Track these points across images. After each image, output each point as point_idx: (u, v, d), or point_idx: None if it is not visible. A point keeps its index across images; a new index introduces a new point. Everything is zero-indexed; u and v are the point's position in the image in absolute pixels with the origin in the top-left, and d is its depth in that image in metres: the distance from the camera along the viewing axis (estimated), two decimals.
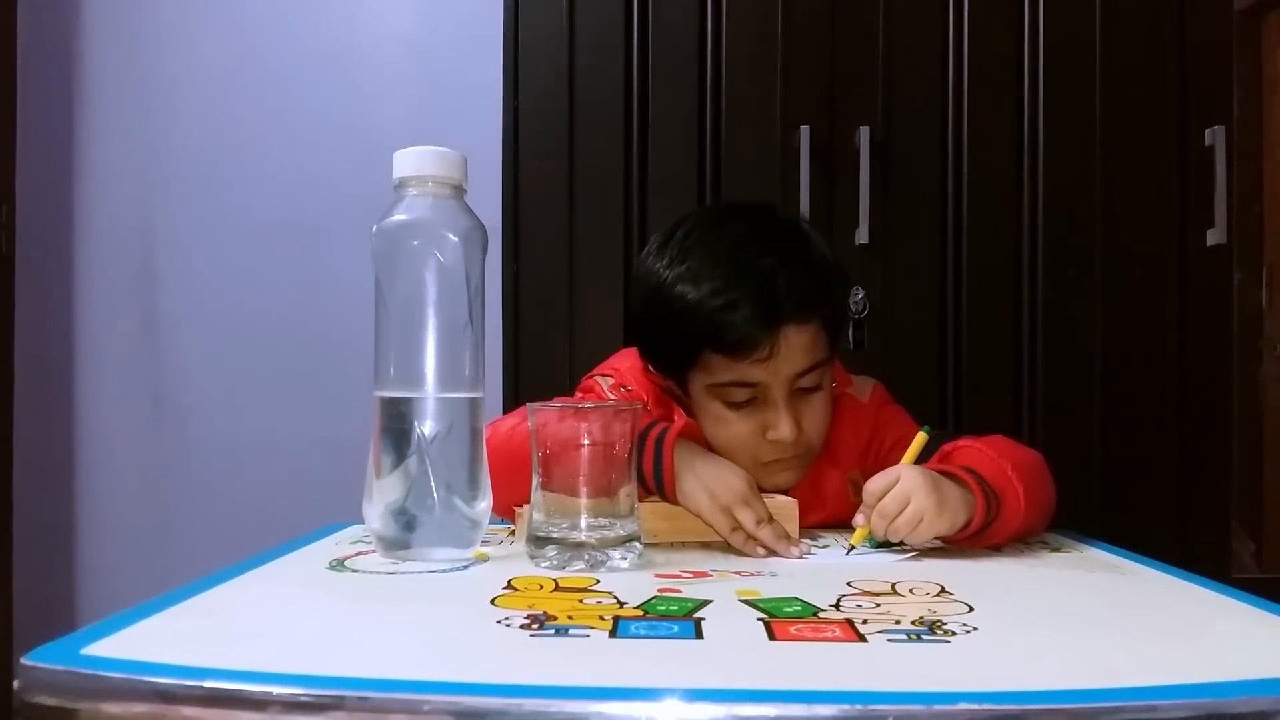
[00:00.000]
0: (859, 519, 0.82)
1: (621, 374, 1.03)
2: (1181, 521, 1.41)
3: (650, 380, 1.01)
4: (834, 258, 0.97)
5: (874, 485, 0.81)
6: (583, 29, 1.43)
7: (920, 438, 0.87)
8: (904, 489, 0.79)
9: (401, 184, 0.76)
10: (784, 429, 0.91)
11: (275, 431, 1.80)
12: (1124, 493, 1.41)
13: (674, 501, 0.84)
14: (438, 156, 0.75)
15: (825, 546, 0.86)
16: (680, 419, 0.90)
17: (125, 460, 1.83)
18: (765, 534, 0.80)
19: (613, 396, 1.00)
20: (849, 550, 0.82)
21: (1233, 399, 1.43)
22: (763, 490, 0.86)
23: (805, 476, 0.99)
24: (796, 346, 0.90)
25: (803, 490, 0.97)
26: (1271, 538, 1.86)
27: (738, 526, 0.81)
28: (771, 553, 0.80)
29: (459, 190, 0.77)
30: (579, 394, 1.04)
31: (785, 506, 0.86)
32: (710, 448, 0.93)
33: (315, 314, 1.80)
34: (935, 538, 0.81)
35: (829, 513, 0.97)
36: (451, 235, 0.74)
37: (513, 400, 1.39)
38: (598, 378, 1.04)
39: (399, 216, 0.74)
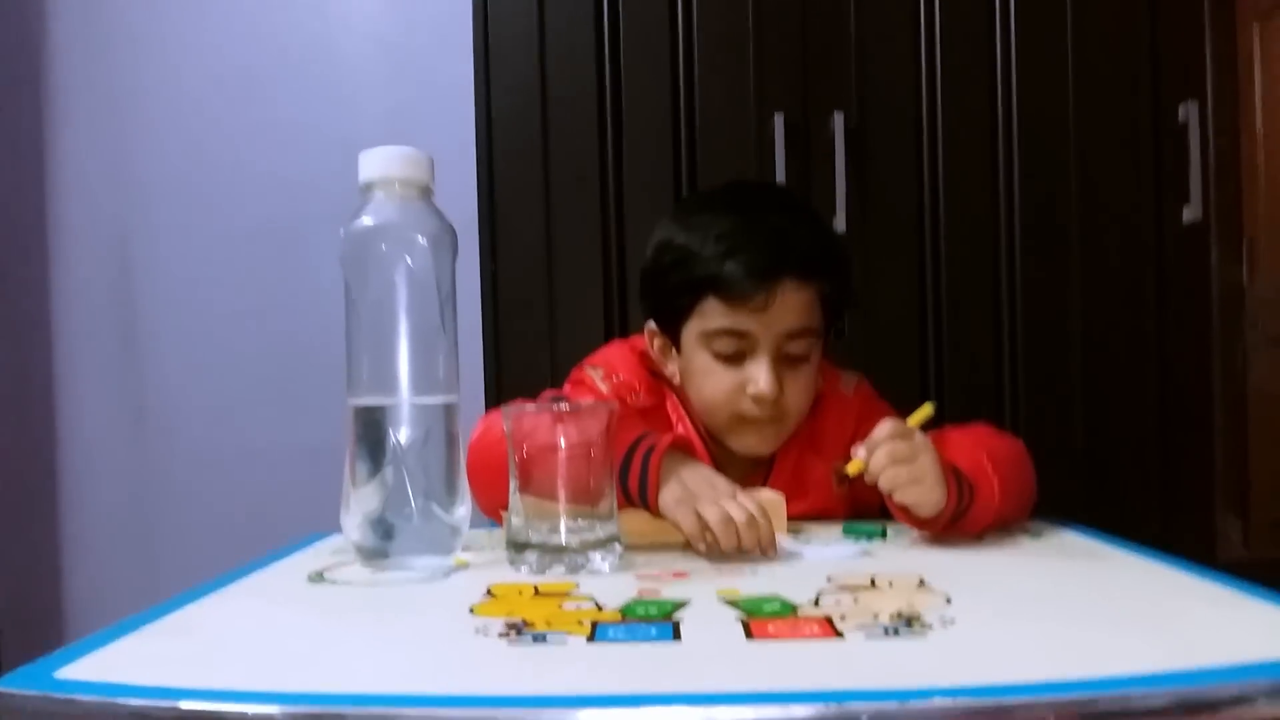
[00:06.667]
0: (860, 451, 0.81)
1: (612, 364, 1.04)
2: (1166, 505, 1.42)
3: (642, 366, 1.03)
4: (844, 246, 1.01)
5: (890, 428, 0.80)
6: (553, 23, 1.43)
7: (927, 408, 0.87)
8: (918, 444, 0.80)
9: (367, 187, 0.75)
10: (764, 383, 0.92)
11: (259, 441, 1.80)
12: (1107, 477, 1.41)
13: (659, 515, 0.83)
14: (403, 158, 0.75)
15: (808, 542, 0.85)
16: (668, 435, 0.88)
17: (108, 474, 1.82)
18: (733, 530, 0.76)
19: (604, 387, 1.01)
20: (840, 480, 0.82)
21: (1213, 377, 1.43)
22: (736, 476, 0.85)
23: (788, 466, 1.00)
24: (793, 304, 0.92)
25: (785, 480, 0.98)
26: (1258, 518, 1.87)
27: (706, 528, 0.77)
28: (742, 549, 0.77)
29: (426, 191, 0.76)
30: (569, 386, 1.04)
31: (774, 503, 0.85)
32: (693, 421, 0.96)
33: (295, 321, 1.79)
34: (908, 523, 0.82)
35: (811, 503, 0.97)
36: (420, 238, 0.73)
37: (494, 402, 1.38)
38: (588, 369, 1.04)
39: (365, 220, 0.74)
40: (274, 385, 1.79)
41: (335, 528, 0.88)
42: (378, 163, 0.75)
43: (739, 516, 0.76)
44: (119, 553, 1.82)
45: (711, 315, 0.94)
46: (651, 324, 1.02)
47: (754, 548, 0.77)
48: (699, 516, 0.78)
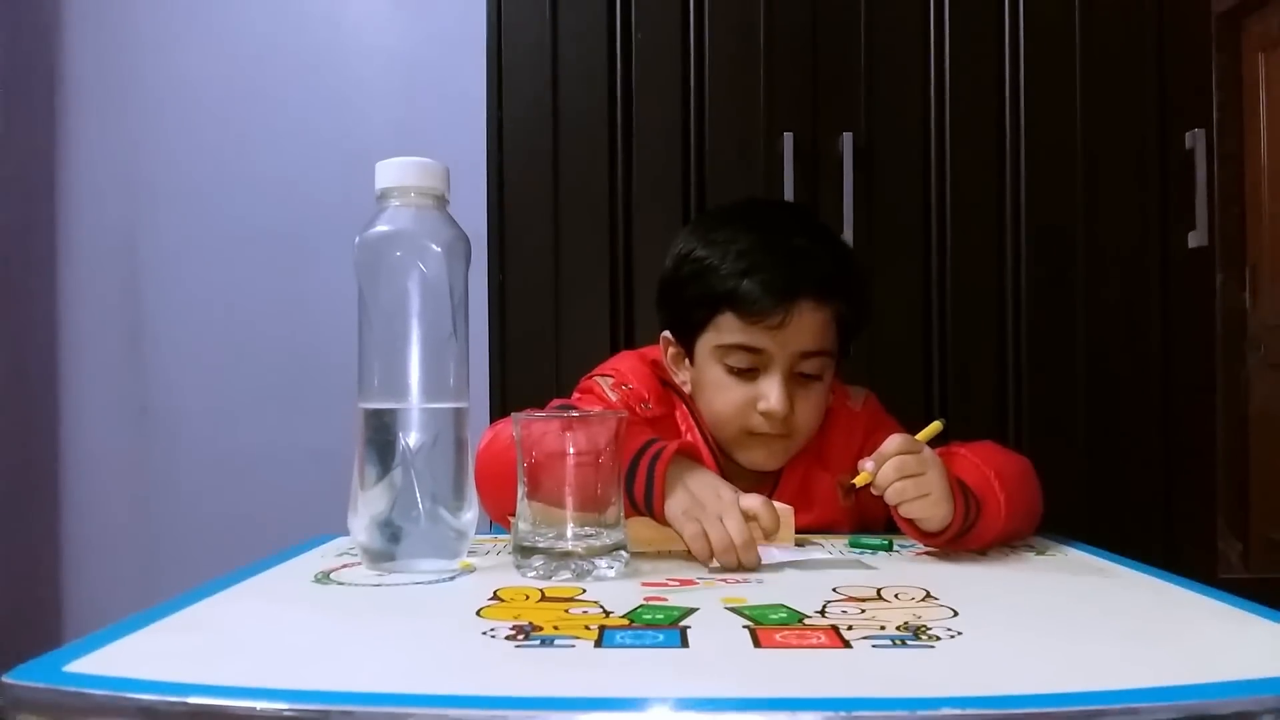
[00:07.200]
0: (868, 464, 0.81)
1: (622, 374, 1.03)
2: (1167, 523, 1.42)
3: (653, 376, 1.03)
4: (863, 270, 1.01)
5: (899, 442, 0.80)
6: (565, 38, 1.44)
7: (937, 425, 0.87)
8: (926, 459, 0.80)
9: (384, 195, 0.75)
10: (774, 399, 0.92)
11: (262, 442, 1.80)
12: (1110, 495, 1.41)
13: (664, 522, 0.82)
14: (419, 167, 0.75)
15: (811, 554, 0.85)
16: (674, 442, 0.87)
17: (112, 471, 1.82)
18: (729, 536, 0.75)
19: (614, 396, 1.01)
20: (845, 492, 0.82)
21: (1216, 400, 1.44)
22: (742, 488, 0.84)
23: (795, 479, 1.01)
24: (808, 325, 0.92)
25: (792, 493, 0.98)
26: (1258, 538, 1.87)
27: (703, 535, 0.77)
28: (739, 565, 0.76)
29: (441, 201, 0.77)
30: (577, 394, 1.04)
31: (782, 514, 0.85)
32: (703, 431, 0.96)
33: (301, 324, 1.79)
34: (914, 537, 0.82)
35: (817, 516, 0.97)
36: (434, 246, 0.74)
37: (499, 409, 1.39)
38: (597, 378, 1.04)
39: (381, 228, 0.74)
40: (277, 388, 1.80)
41: (338, 530, 0.88)
42: (394, 171, 0.75)
43: (739, 539, 0.76)
44: (120, 554, 1.82)
45: (727, 330, 0.94)
46: (667, 332, 1.03)
47: (754, 567, 0.76)
48: (706, 538, 0.77)
